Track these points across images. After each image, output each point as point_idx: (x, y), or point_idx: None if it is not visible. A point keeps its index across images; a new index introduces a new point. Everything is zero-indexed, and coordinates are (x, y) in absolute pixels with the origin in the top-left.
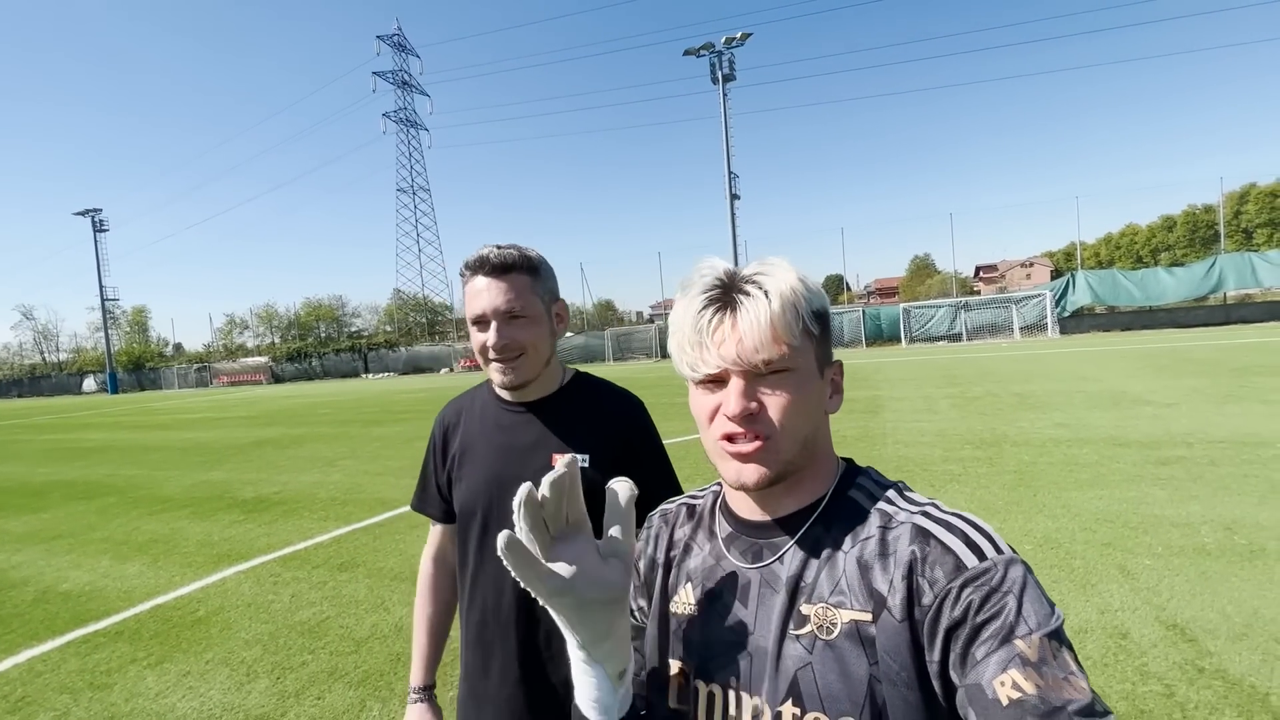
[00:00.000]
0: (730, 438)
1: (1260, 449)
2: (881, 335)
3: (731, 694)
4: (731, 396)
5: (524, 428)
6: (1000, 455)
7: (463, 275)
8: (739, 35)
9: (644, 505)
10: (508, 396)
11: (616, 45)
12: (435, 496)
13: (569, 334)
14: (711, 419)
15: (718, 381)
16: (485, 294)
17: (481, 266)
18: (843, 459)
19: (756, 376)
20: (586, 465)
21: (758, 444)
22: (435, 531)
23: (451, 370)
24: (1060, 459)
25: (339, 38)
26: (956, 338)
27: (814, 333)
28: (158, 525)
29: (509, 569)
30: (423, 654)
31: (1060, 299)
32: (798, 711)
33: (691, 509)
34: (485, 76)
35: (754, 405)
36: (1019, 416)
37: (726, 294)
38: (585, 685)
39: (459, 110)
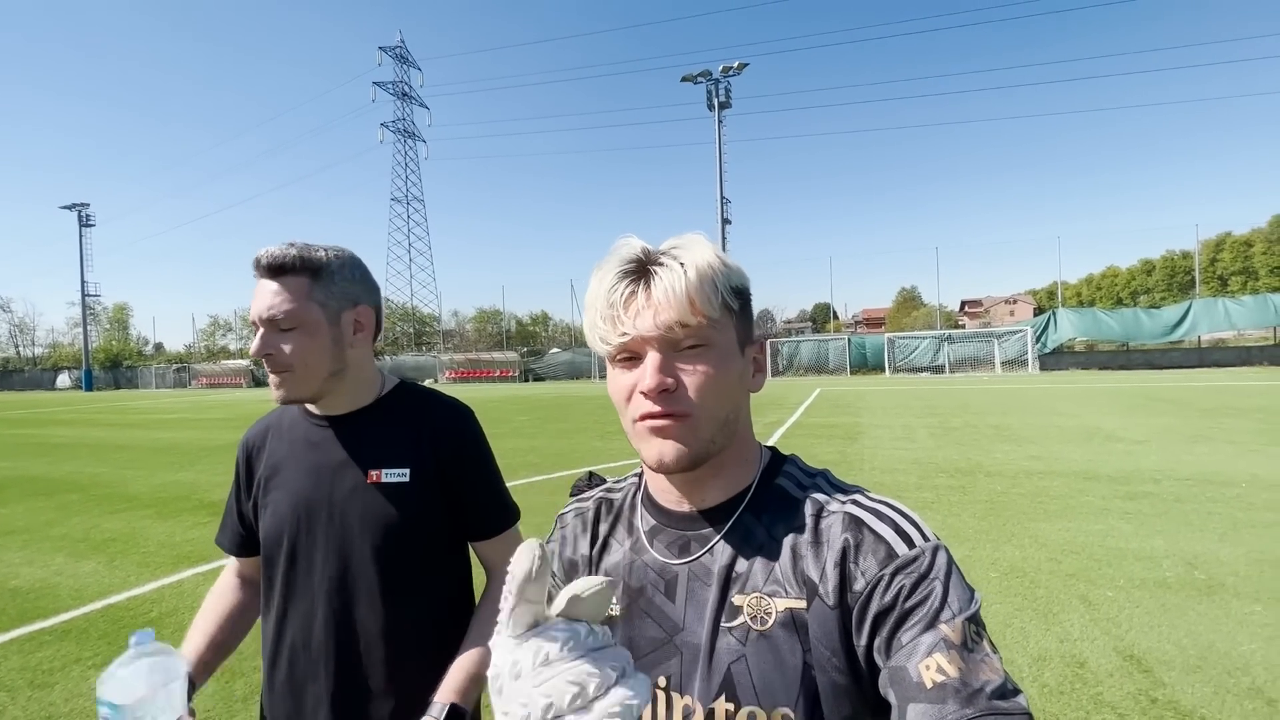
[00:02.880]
0: (648, 416)
1: (1225, 488)
2: (866, 364)
3: (660, 695)
4: (647, 371)
5: (334, 444)
6: (973, 484)
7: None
8: (736, 65)
9: (472, 526)
10: (316, 410)
11: (616, 68)
12: (234, 526)
13: (555, 350)
14: (629, 399)
15: (634, 358)
16: (258, 299)
17: (256, 266)
18: (766, 447)
19: (674, 351)
20: (406, 480)
21: (675, 421)
22: (234, 562)
23: (436, 381)
24: (1031, 490)
25: (341, 47)
26: (939, 369)
27: (733, 308)
28: (119, 524)
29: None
30: (195, 646)
31: (1041, 335)
32: (731, 707)
33: (610, 503)
34: (485, 92)
35: (670, 381)
36: (994, 448)
37: (641, 267)
38: None
39: (457, 124)
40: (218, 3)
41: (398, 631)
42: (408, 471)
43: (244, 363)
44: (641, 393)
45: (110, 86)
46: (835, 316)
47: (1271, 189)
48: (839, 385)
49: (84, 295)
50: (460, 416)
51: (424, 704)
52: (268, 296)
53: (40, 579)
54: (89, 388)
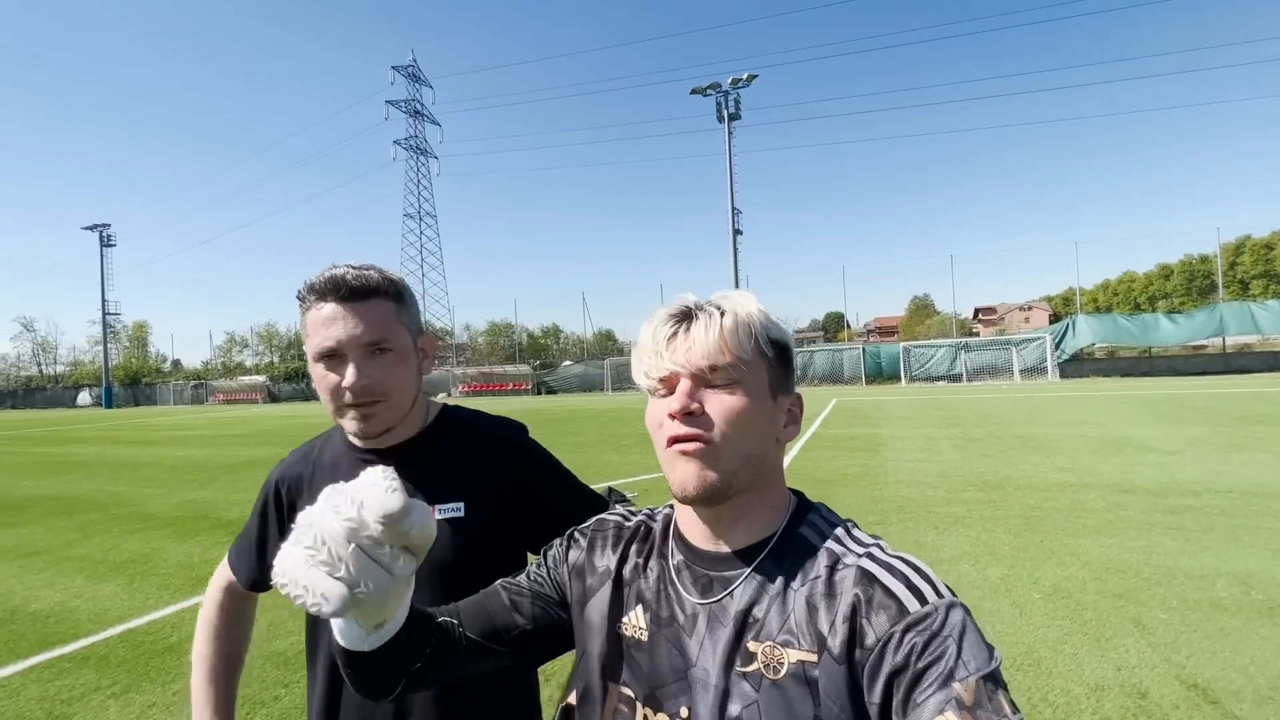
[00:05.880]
0: (675, 439)
1: (1270, 500)
2: (881, 373)
3: None
4: (677, 395)
5: None
6: (1004, 498)
7: (303, 301)
8: (745, 76)
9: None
10: (361, 444)
11: (626, 82)
12: (252, 560)
13: (568, 363)
14: (661, 425)
15: (671, 391)
16: (340, 323)
17: (335, 290)
18: (793, 491)
19: (705, 383)
20: (461, 515)
21: (699, 445)
22: (232, 579)
23: (450, 395)
24: (1066, 504)
25: (353, 67)
26: (956, 378)
27: (768, 355)
28: (138, 544)
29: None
30: (210, 702)
31: (1060, 342)
32: None
33: (647, 529)
34: (497, 108)
35: (696, 405)
36: (1021, 459)
37: (686, 314)
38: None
39: (469, 139)
40: (232, 29)
41: (464, 686)
42: (462, 505)
43: (260, 379)
44: (670, 415)
45: (129, 111)
46: (848, 326)
47: None
48: (855, 395)
49: (105, 314)
50: (512, 436)
51: None
52: (357, 320)
53: (60, 601)
54: (109, 405)
